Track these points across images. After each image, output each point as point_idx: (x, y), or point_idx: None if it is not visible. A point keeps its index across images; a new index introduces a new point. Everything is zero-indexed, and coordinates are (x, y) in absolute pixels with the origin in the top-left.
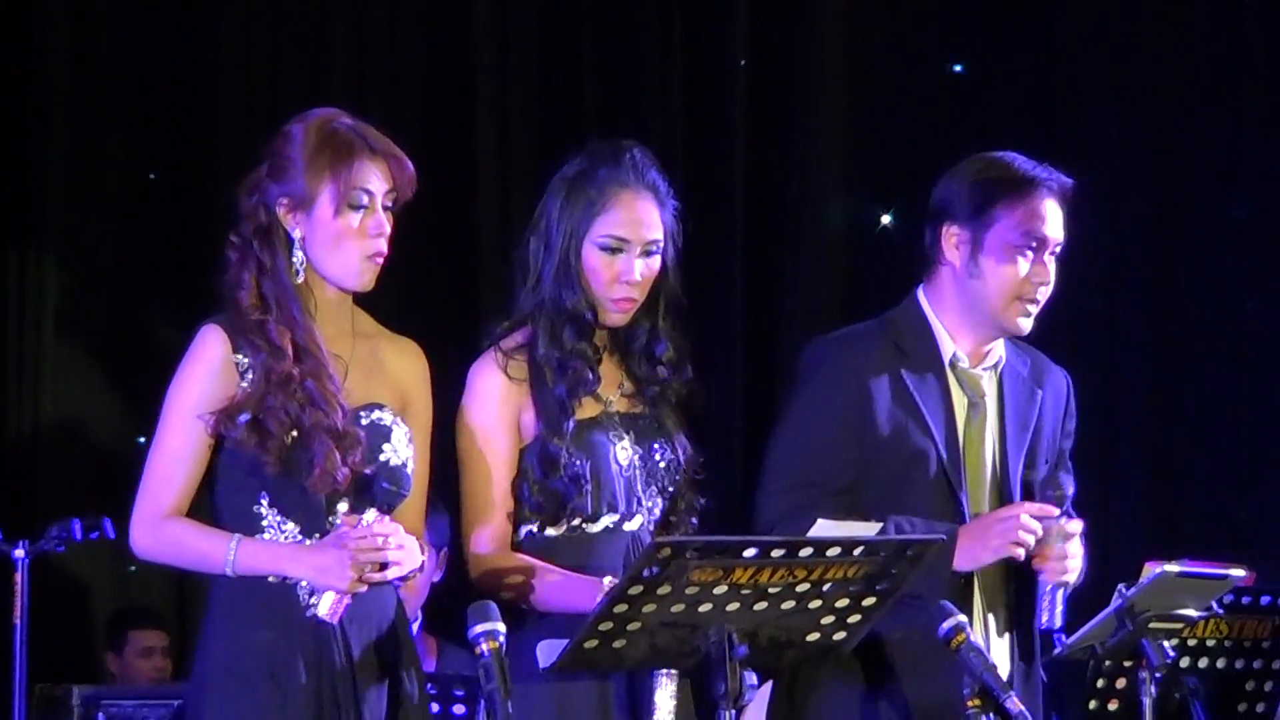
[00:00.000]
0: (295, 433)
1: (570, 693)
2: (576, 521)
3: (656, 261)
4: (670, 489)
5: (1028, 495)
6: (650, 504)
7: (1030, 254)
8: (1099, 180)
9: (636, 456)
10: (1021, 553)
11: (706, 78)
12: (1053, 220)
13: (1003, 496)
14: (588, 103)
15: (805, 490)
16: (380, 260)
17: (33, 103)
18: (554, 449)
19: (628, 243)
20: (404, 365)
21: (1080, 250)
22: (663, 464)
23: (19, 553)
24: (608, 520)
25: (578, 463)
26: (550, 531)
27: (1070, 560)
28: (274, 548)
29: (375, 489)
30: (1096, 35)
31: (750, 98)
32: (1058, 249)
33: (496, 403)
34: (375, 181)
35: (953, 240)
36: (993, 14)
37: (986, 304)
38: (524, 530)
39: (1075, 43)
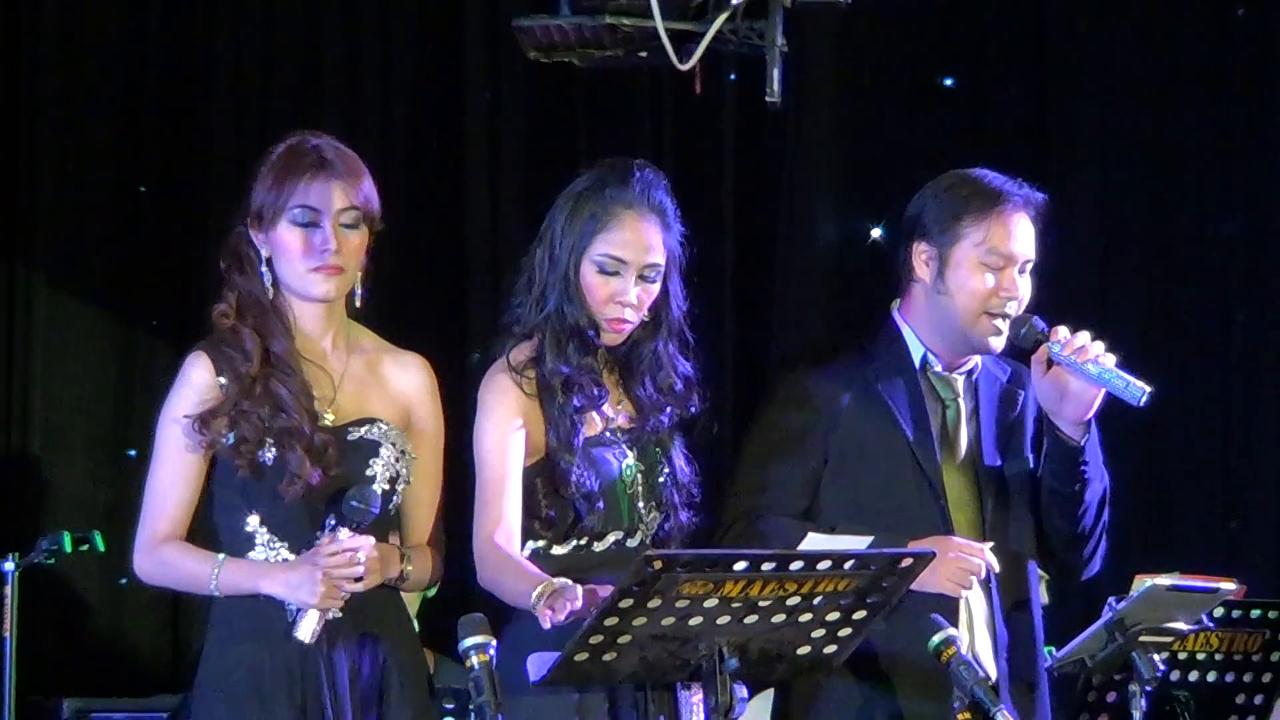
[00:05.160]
0: (270, 442)
1: (551, 704)
2: (584, 540)
3: (656, 286)
4: (665, 506)
5: (1001, 485)
6: (650, 519)
7: (997, 270)
8: (1089, 194)
9: (639, 473)
10: (963, 593)
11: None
12: (1021, 236)
13: (977, 486)
14: (578, 115)
15: (764, 494)
16: (332, 273)
17: (23, 115)
18: (565, 466)
19: (625, 264)
20: (406, 379)
21: (1071, 263)
22: (661, 479)
23: (9, 565)
24: (613, 537)
25: (588, 481)
26: (556, 550)
27: (1092, 344)
28: (252, 566)
29: (344, 506)
30: (1087, 48)
31: (740, 111)
32: (1029, 265)
33: (513, 415)
34: (321, 199)
35: (922, 257)
36: (983, 27)
37: (955, 320)
38: (530, 548)
39: (1066, 56)
